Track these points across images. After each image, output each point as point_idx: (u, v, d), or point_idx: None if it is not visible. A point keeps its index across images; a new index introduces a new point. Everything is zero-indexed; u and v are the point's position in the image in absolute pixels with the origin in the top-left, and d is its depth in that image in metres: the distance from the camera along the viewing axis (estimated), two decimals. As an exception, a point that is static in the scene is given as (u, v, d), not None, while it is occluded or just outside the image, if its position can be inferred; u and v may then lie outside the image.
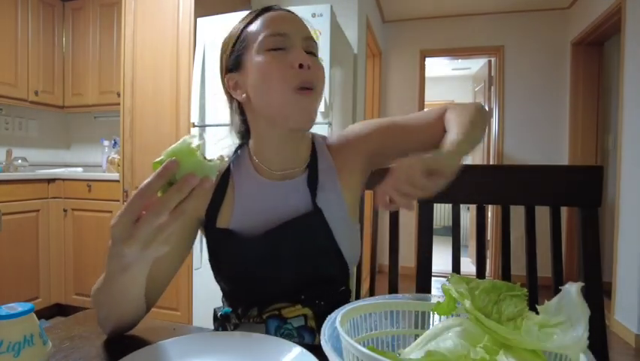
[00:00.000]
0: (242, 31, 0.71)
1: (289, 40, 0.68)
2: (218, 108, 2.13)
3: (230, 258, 0.72)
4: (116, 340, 0.60)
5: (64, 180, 2.69)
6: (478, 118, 0.72)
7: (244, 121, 0.77)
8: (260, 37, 0.68)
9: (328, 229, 0.70)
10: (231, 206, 0.74)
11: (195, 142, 0.45)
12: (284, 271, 0.70)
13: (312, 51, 0.71)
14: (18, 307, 0.48)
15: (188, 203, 0.44)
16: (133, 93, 2.44)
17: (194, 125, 2.16)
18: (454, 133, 0.66)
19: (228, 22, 2.14)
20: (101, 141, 3.09)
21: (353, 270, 0.79)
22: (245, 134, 0.79)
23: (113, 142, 3.02)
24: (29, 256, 2.55)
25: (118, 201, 2.50)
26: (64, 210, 2.68)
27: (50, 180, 2.67)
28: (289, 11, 0.74)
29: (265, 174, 0.75)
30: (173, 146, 0.44)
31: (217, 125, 2.13)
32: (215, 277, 0.77)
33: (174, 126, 2.33)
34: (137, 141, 2.42)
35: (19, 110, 3.00)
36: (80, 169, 3.07)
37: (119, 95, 2.53)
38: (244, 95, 0.72)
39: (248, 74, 0.69)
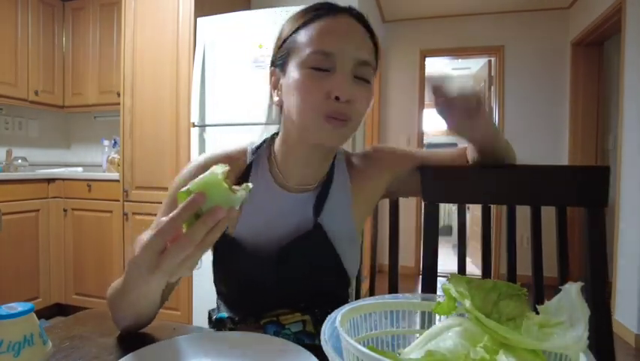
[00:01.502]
0: (294, 32, 0.65)
1: (336, 62, 0.61)
2: (218, 108, 2.13)
3: (231, 268, 0.72)
4: (116, 340, 0.60)
5: (64, 179, 2.69)
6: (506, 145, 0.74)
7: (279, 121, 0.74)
8: (305, 51, 0.61)
9: (331, 246, 0.70)
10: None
11: (221, 171, 0.45)
12: (285, 287, 0.71)
13: (362, 77, 0.63)
14: (18, 307, 0.48)
15: (213, 235, 0.44)
16: (133, 93, 2.43)
17: (194, 125, 2.15)
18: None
19: (228, 22, 2.16)
20: (101, 141, 3.09)
21: (353, 280, 0.79)
22: (275, 135, 0.77)
23: (113, 142, 3.02)
24: (29, 256, 2.55)
25: (118, 201, 2.49)
26: (64, 210, 2.68)
27: (50, 180, 2.67)
28: (355, 13, 0.66)
29: (280, 181, 0.73)
30: (201, 177, 0.44)
31: (217, 125, 2.13)
32: (214, 280, 0.77)
33: (174, 126, 2.32)
34: (137, 141, 2.42)
35: (19, 110, 3.00)
36: (80, 169, 3.06)
37: (119, 95, 2.52)
38: (277, 99, 0.69)
39: (287, 82, 0.65)
